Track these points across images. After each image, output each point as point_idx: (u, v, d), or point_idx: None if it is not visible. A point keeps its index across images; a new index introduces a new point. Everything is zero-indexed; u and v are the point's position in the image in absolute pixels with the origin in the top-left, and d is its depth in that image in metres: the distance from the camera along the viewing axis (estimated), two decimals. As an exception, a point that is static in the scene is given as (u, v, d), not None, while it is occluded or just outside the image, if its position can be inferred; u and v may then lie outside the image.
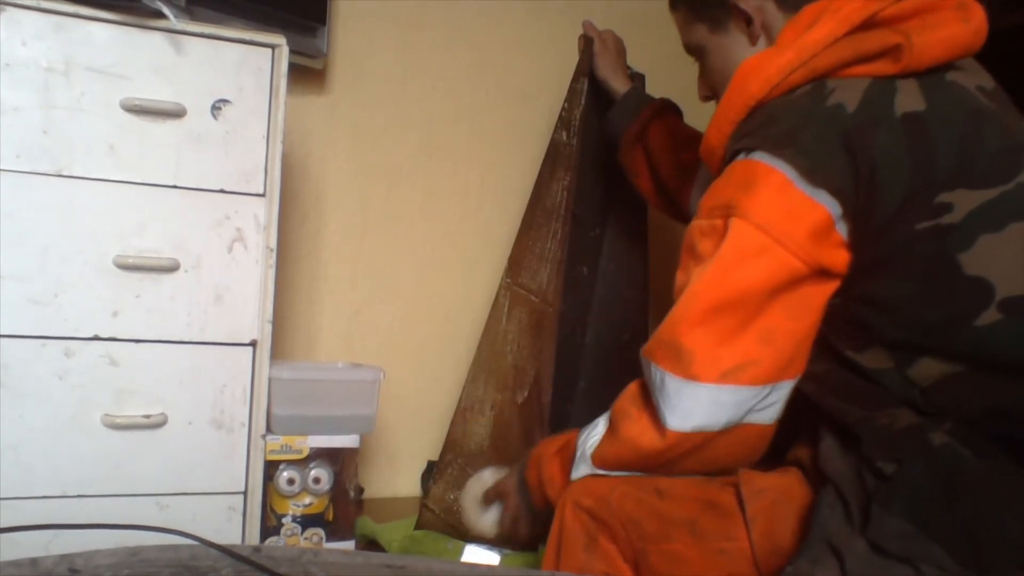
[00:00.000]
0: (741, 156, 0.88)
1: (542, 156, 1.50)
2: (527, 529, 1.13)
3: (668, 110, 1.41)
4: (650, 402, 0.91)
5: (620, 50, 1.47)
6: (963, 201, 0.82)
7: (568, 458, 1.02)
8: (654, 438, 0.90)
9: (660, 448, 0.89)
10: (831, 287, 0.86)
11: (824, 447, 0.89)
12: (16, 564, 0.56)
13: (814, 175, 0.82)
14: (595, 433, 0.98)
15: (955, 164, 0.82)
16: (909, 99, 0.85)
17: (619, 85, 1.43)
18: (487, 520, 1.18)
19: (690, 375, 0.86)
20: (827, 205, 0.83)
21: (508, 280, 1.46)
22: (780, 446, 1.00)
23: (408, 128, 1.74)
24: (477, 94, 1.80)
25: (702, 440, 0.88)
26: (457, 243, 1.79)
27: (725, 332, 0.85)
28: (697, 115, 1.42)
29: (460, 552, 1.30)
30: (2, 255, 1.07)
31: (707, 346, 0.85)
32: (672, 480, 0.93)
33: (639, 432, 0.91)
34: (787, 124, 0.85)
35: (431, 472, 1.48)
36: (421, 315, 1.76)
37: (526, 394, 1.42)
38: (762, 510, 0.87)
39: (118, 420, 1.12)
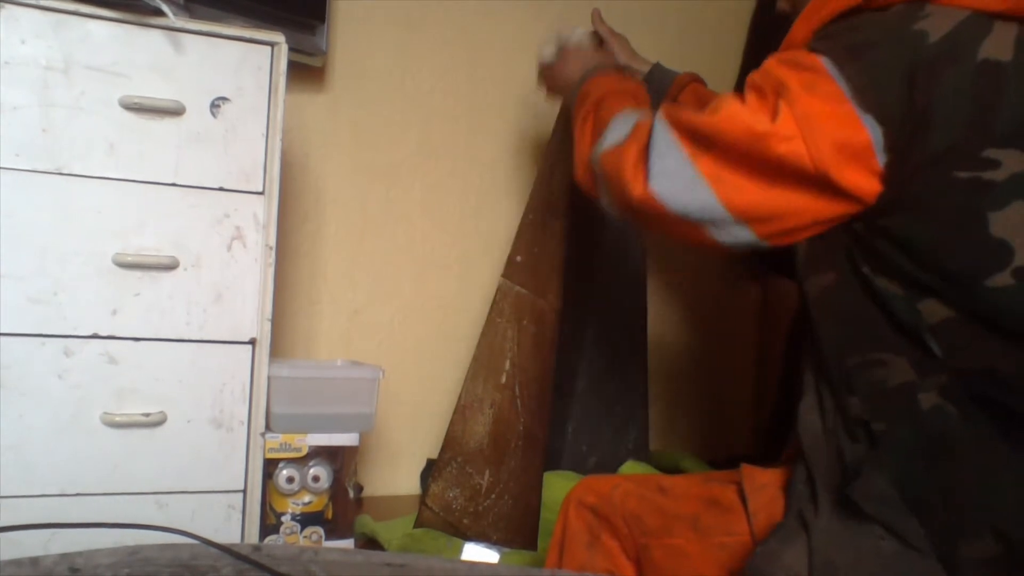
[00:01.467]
0: (815, 53, 0.87)
1: (541, 155, 1.50)
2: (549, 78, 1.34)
3: (695, 80, 1.41)
4: (647, 151, 0.93)
5: (627, 40, 1.47)
6: (1011, 161, 0.80)
7: (602, 118, 1.05)
8: (639, 185, 0.91)
9: (638, 196, 0.91)
10: (841, 208, 0.86)
11: (803, 406, 0.89)
12: (16, 563, 0.56)
13: (866, 97, 0.82)
14: (616, 133, 0.99)
15: (1018, 123, 0.81)
16: (998, 45, 0.83)
17: (640, 65, 1.43)
18: (548, 50, 1.35)
19: (690, 153, 0.88)
20: (871, 130, 0.82)
21: (507, 279, 1.46)
22: (777, 446, 1.01)
23: (408, 127, 1.74)
24: (476, 94, 1.79)
25: (660, 213, 0.90)
26: (457, 242, 1.79)
27: (738, 163, 0.86)
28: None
29: (459, 550, 1.30)
30: (1, 254, 1.07)
31: (722, 158, 0.87)
32: (674, 478, 0.93)
33: (633, 173, 0.92)
34: (863, 37, 0.85)
35: (430, 470, 1.48)
36: (420, 314, 1.76)
37: (526, 393, 1.42)
38: (764, 505, 0.88)
39: (117, 419, 1.12)
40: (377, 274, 1.72)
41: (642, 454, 1.63)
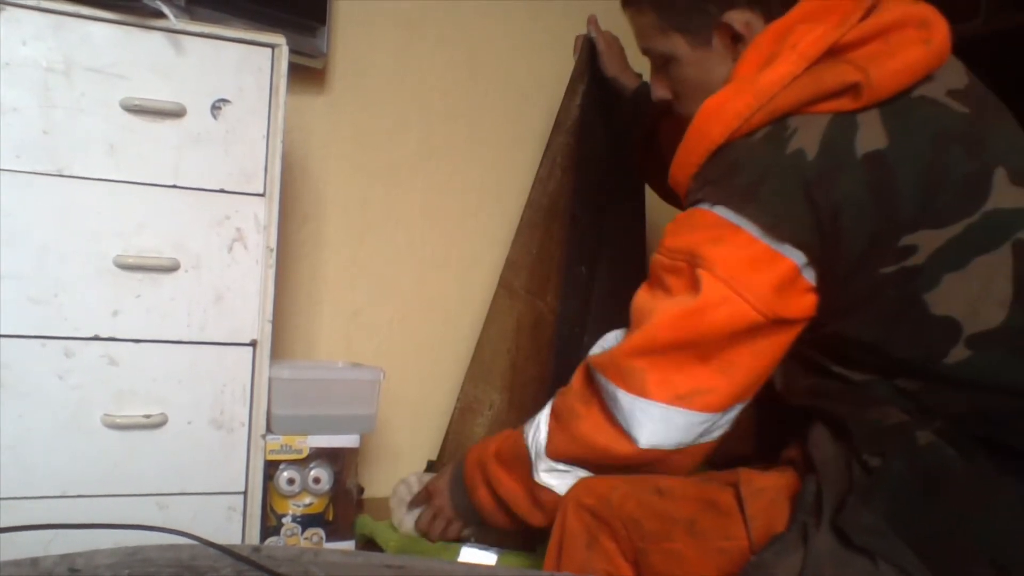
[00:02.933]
0: (705, 206, 0.88)
1: (541, 156, 1.50)
2: (441, 529, 1.17)
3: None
4: (595, 400, 0.94)
5: (621, 48, 1.47)
6: (926, 242, 0.82)
7: (509, 460, 1.04)
8: (619, 441, 0.92)
9: (628, 453, 0.92)
10: (792, 333, 0.88)
11: (815, 433, 0.90)
12: (16, 564, 0.56)
13: (778, 230, 0.83)
14: (541, 432, 0.99)
15: (918, 203, 0.82)
16: (870, 136, 0.84)
17: (629, 82, 1.43)
18: (410, 519, 1.23)
19: (642, 392, 0.88)
20: (792, 257, 0.84)
21: (507, 280, 1.46)
22: (775, 446, 1.01)
23: (407, 128, 1.74)
24: (476, 94, 1.80)
25: (658, 456, 0.91)
26: (456, 243, 1.79)
27: (681, 362, 0.87)
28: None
29: (457, 553, 1.30)
30: (2, 255, 1.07)
31: (661, 369, 0.88)
32: (672, 480, 0.93)
33: (592, 429, 0.93)
34: (749, 177, 0.85)
35: (430, 471, 1.48)
36: (420, 315, 1.76)
37: (525, 394, 1.42)
38: (761, 509, 0.88)
39: (118, 420, 1.12)
40: (377, 275, 1.72)
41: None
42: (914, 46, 0.86)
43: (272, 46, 1.20)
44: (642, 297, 0.94)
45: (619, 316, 1.57)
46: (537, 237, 1.45)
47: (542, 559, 1.00)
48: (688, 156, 0.93)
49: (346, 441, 1.30)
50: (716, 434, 0.92)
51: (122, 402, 1.14)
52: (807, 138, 0.84)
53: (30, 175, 1.09)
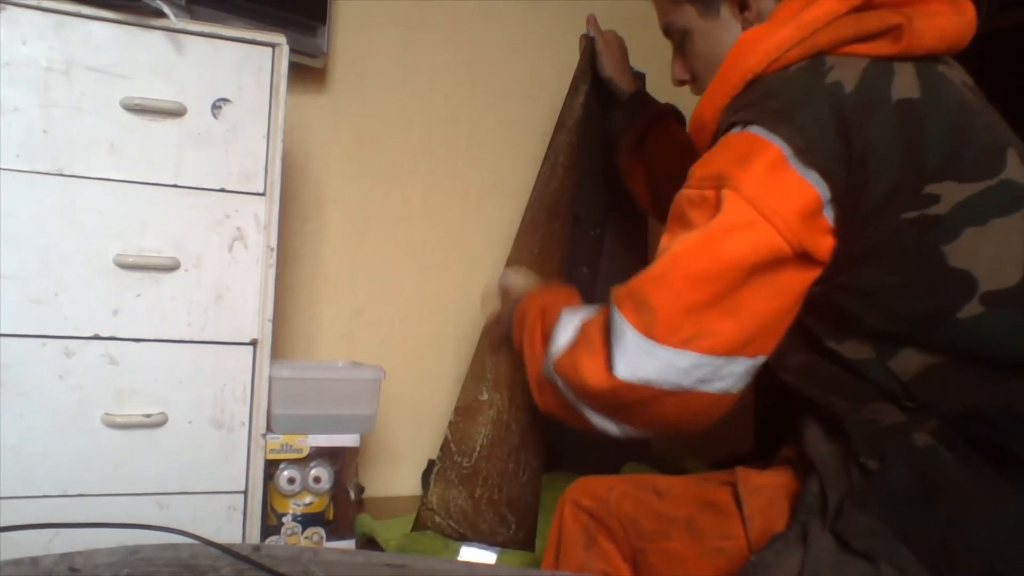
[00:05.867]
0: (737, 129, 0.86)
1: (542, 156, 1.50)
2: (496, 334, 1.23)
3: (670, 116, 1.40)
4: (608, 340, 0.90)
5: (623, 49, 1.47)
6: (950, 193, 0.82)
7: (548, 327, 1.02)
8: (600, 377, 0.89)
9: (604, 387, 0.88)
10: (811, 274, 0.85)
11: (809, 434, 0.89)
12: (16, 563, 0.56)
13: (808, 154, 0.81)
14: (564, 336, 0.97)
15: (944, 155, 0.82)
16: (905, 84, 0.85)
17: (625, 85, 1.43)
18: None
19: (651, 334, 0.85)
20: (817, 187, 0.82)
21: (508, 279, 1.45)
22: (773, 445, 1.01)
23: (408, 127, 1.74)
24: (477, 94, 1.80)
25: (648, 395, 0.87)
26: (457, 243, 1.79)
27: (695, 303, 0.84)
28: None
29: (456, 552, 1.30)
30: (2, 254, 1.07)
31: (673, 311, 0.84)
32: (670, 480, 0.93)
33: (590, 367, 0.90)
34: (785, 100, 0.85)
35: (431, 471, 1.48)
36: (421, 314, 1.76)
37: (525, 394, 1.41)
38: (759, 508, 0.87)
39: (118, 419, 1.13)
40: (378, 275, 1.72)
41: (643, 455, 1.63)
42: (948, 15, 0.88)
43: (272, 45, 1.20)
44: (662, 242, 0.91)
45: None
46: (539, 237, 1.45)
47: (542, 558, 1.00)
48: (721, 88, 0.92)
49: (346, 440, 1.30)
50: (717, 386, 0.87)
51: (122, 401, 1.14)
52: (845, 75, 0.85)
53: (30, 174, 1.09)
